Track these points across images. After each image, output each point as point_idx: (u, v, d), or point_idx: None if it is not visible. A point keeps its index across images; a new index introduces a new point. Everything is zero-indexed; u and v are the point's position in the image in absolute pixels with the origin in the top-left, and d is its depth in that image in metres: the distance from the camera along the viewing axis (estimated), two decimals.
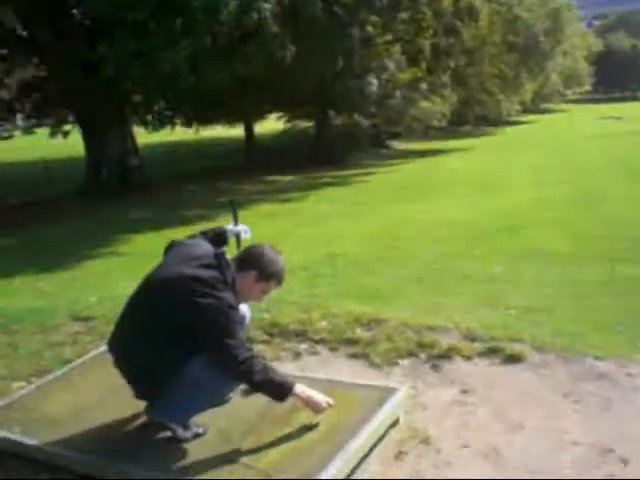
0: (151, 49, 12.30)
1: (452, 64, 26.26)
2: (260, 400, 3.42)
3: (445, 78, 28.59)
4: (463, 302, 5.94)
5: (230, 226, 3.91)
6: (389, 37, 22.84)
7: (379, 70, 23.22)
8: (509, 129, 50.44)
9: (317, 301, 5.82)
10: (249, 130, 31.84)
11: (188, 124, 29.45)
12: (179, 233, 12.38)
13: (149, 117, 23.26)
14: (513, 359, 4.41)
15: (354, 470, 3.12)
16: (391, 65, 23.62)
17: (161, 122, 25.04)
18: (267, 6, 12.18)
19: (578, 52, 70.28)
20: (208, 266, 3.27)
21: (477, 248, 8.92)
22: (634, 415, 3.64)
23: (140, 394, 3.42)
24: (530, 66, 48.32)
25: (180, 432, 3.36)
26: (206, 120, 29.89)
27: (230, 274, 3.31)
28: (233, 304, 3.24)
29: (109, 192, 17.25)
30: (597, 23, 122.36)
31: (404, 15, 20.97)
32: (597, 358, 4.31)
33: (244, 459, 3.12)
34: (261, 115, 32.03)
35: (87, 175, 18.70)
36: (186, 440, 3.34)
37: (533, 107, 65.93)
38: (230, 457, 3.15)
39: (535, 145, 32.37)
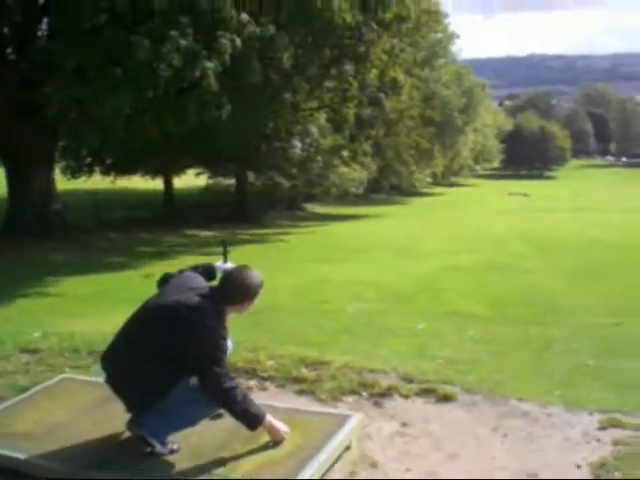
0: (93, 96, 12.61)
1: (373, 134, 27.39)
2: (227, 421, 3.80)
3: (366, 147, 29.72)
4: (393, 352, 6.41)
5: (219, 263, 4.28)
6: (314, 104, 23.73)
7: (303, 134, 24.04)
8: (421, 200, 52.20)
9: (261, 344, 6.20)
10: (168, 183, 32.02)
11: (106, 172, 29.37)
12: (105, 279, 12.51)
13: (71, 162, 23.35)
14: (446, 398, 4.93)
15: None
16: (315, 130, 24.50)
17: (80, 169, 25.12)
18: (210, 65, 12.71)
19: (489, 129, 73.60)
20: (204, 297, 3.66)
21: (399, 307, 9.43)
22: (553, 447, 4.17)
23: (132, 407, 3.74)
24: (443, 140, 50.46)
25: (159, 447, 3.68)
26: (125, 170, 29.88)
27: (222, 306, 3.70)
28: (224, 335, 3.65)
29: (31, 234, 17.16)
30: (509, 103, 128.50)
31: (330, 84, 21.87)
32: (520, 400, 4.87)
33: (219, 470, 3.48)
34: (180, 169, 32.27)
35: (9, 215, 18.57)
36: (164, 455, 3.68)
37: (443, 180, 68.36)
38: (206, 469, 3.50)
39: (447, 216, 33.73)
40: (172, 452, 3.70)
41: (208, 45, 12.98)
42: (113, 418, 3.97)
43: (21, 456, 3.73)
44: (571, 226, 26.26)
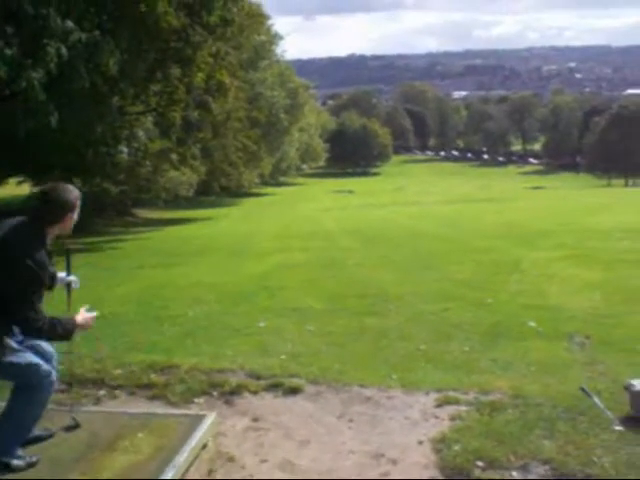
0: None
1: (201, 136, 27.34)
2: (84, 433, 3.84)
3: (195, 150, 29.61)
4: (238, 351, 6.57)
5: (62, 274, 4.22)
6: (140, 108, 23.37)
7: (130, 139, 23.61)
8: (251, 200, 52.62)
9: (106, 354, 6.17)
10: None
11: None
12: None
13: None
14: (293, 391, 5.19)
15: None
16: (142, 135, 24.12)
17: None
18: (36, 75, 12.25)
19: (314, 129, 75.17)
20: (23, 223, 3.73)
21: (239, 307, 9.56)
22: (396, 427, 4.51)
23: None
24: (270, 141, 51.05)
25: (14, 463, 3.65)
26: None
27: (44, 227, 3.74)
28: (43, 262, 3.65)
29: None
30: (331, 102, 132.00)
31: (156, 87, 21.63)
32: (362, 386, 5.19)
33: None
34: (1, 179, 30.77)
35: None
36: (21, 469, 3.64)
37: (272, 180, 69.09)
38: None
39: (276, 215, 34.26)
40: (30, 465, 3.67)
41: (33, 54, 12.51)
42: None
43: None
44: (396, 220, 27.42)
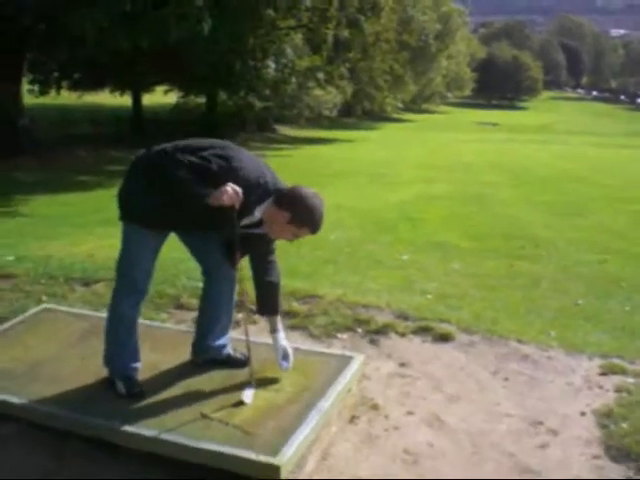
0: (69, 7, 11.97)
1: (350, 56, 26.79)
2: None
3: (343, 69, 29.09)
4: (382, 284, 6.24)
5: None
6: (291, 22, 23.01)
7: (278, 54, 23.35)
8: (392, 125, 51.77)
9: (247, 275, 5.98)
10: (137, 100, 31.12)
11: (74, 88, 28.47)
12: (76, 198, 12.12)
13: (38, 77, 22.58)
14: (443, 338, 4.79)
15: (322, 429, 3.35)
16: (290, 52, 23.80)
17: (48, 84, 24.31)
18: None
19: (462, 57, 72.76)
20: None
21: (381, 236, 9.25)
22: (557, 393, 4.07)
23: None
24: (416, 66, 49.77)
25: (119, 386, 3.45)
26: (93, 85, 29.00)
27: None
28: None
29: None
30: (483, 30, 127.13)
31: (309, 3, 21.14)
32: (519, 341, 4.75)
33: (218, 415, 3.27)
34: (150, 86, 31.40)
35: None
36: (120, 395, 3.42)
37: (414, 106, 67.75)
38: (204, 413, 3.28)
39: (417, 143, 33.49)
40: (132, 395, 3.41)
41: None
42: (99, 353, 3.72)
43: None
44: (542, 158, 26.21)
